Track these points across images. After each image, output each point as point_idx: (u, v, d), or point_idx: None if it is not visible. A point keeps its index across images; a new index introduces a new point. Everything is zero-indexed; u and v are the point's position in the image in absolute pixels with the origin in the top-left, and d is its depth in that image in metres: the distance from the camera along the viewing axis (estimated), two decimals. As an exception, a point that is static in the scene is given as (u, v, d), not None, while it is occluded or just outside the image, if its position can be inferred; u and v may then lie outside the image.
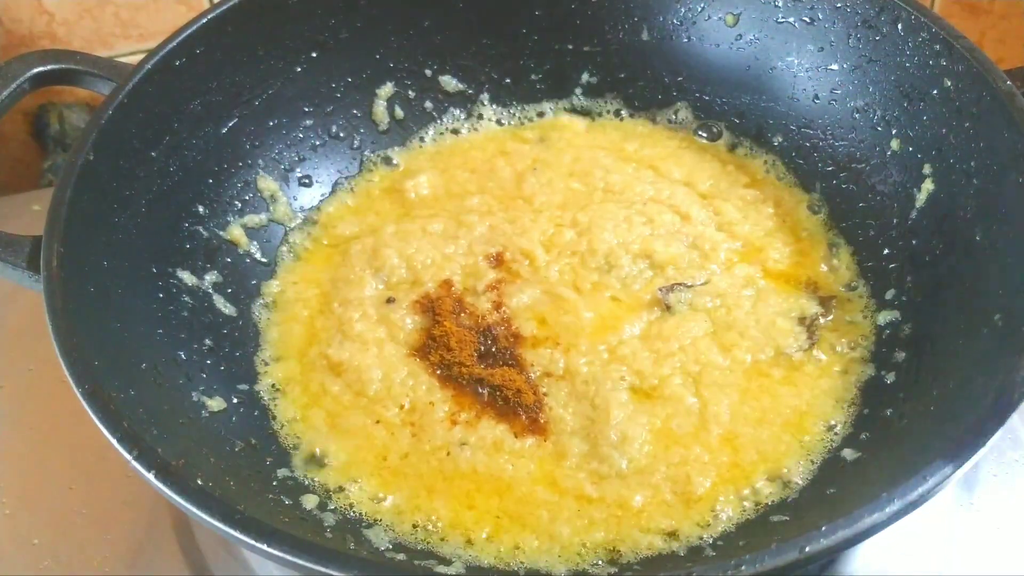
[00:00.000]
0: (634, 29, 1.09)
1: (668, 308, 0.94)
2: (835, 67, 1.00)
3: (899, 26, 0.93)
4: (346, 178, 1.08)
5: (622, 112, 1.12)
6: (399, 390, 0.90)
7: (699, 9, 1.06)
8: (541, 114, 1.12)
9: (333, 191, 1.07)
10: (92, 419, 0.70)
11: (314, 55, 1.04)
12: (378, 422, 0.88)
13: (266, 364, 0.94)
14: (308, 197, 1.06)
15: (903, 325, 0.91)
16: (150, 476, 0.68)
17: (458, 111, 1.12)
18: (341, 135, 1.08)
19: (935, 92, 0.91)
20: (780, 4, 1.02)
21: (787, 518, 0.80)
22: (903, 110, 0.95)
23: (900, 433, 0.81)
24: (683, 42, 1.08)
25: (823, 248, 0.99)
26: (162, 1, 1.23)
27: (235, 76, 0.99)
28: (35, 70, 0.91)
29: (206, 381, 0.88)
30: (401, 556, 0.79)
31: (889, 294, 0.93)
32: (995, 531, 0.88)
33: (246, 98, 1.01)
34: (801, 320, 0.93)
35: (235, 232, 0.99)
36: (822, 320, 0.93)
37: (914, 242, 0.93)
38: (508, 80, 1.12)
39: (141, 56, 0.93)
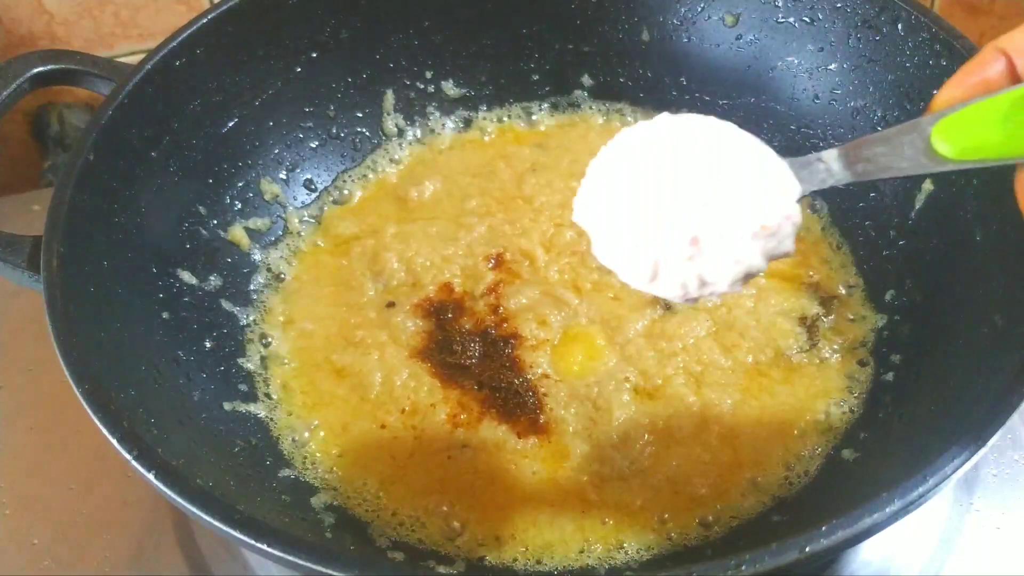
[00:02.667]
0: (634, 29, 1.09)
1: (668, 307, 0.94)
2: (835, 67, 1.00)
3: (899, 26, 0.93)
4: (347, 179, 1.08)
5: (622, 112, 1.11)
6: (400, 392, 0.90)
7: (699, 9, 1.06)
8: (541, 115, 1.12)
9: (333, 192, 1.07)
10: (92, 419, 0.70)
11: (314, 55, 1.04)
12: (383, 426, 0.88)
13: (267, 365, 0.94)
14: (309, 198, 1.06)
15: (903, 325, 0.91)
16: (150, 476, 0.68)
17: (458, 112, 1.12)
18: (341, 136, 1.08)
19: (935, 92, 0.90)
20: (780, 4, 1.02)
21: (787, 518, 0.80)
22: (903, 110, 0.95)
23: (900, 433, 0.81)
24: (683, 42, 1.08)
25: (823, 248, 0.99)
26: (162, 1, 1.23)
27: (235, 76, 0.99)
28: (35, 70, 0.91)
29: (206, 381, 0.88)
30: (401, 556, 0.79)
31: (889, 294, 0.93)
32: (995, 531, 0.88)
33: (246, 98, 1.01)
34: (802, 320, 0.93)
35: (236, 233, 0.99)
36: (823, 320, 0.93)
37: (914, 242, 0.93)
38: (508, 81, 1.12)
39: (141, 56, 0.93)
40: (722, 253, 0.61)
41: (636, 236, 0.62)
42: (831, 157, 0.65)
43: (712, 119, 0.66)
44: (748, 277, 0.63)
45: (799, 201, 0.64)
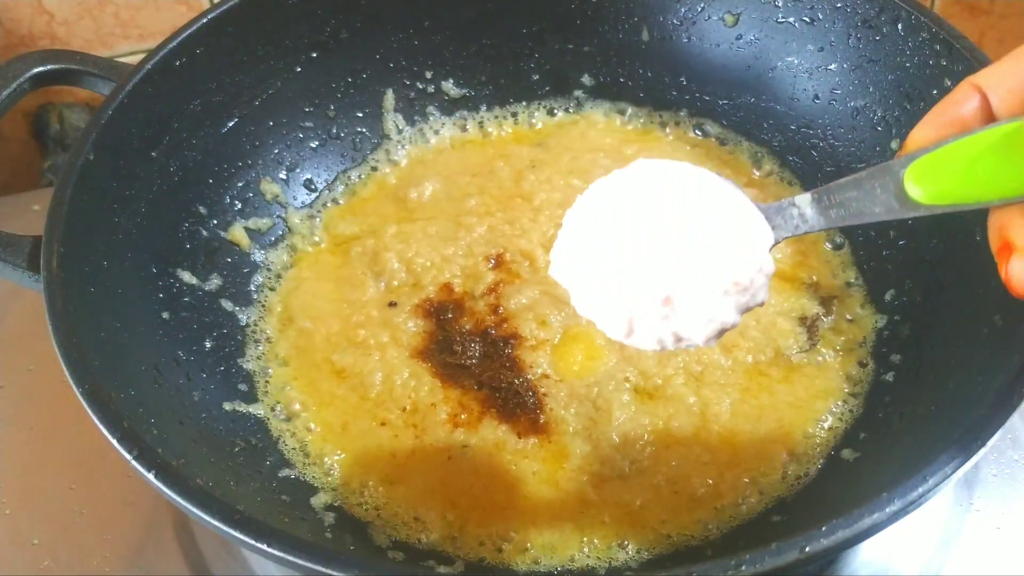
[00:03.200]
0: (634, 29, 1.09)
1: (668, 308, 0.94)
2: (835, 67, 1.01)
3: (899, 26, 0.93)
4: (347, 179, 1.08)
5: (622, 112, 1.11)
6: (401, 392, 0.90)
7: (699, 9, 1.06)
8: (541, 115, 1.12)
9: (334, 192, 1.07)
10: (92, 419, 0.70)
11: (314, 55, 1.04)
12: (383, 426, 0.88)
13: (267, 365, 0.94)
14: (309, 198, 1.06)
15: (903, 325, 0.91)
16: (150, 476, 0.68)
17: (458, 113, 1.12)
18: (341, 135, 1.08)
19: (935, 92, 0.91)
20: (780, 4, 1.02)
21: (787, 518, 0.80)
22: (903, 110, 0.95)
23: (900, 433, 0.81)
24: (683, 42, 1.08)
25: (823, 248, 0.99)
26: (162, 1, 1.23)
27: (235, 76, 0.99)
28: (35, 70, 0.91)
29: (206, 381, 0.88)
30: (401, 556, 0.79)
31: (889, 294, 0.93)
32: (995, 531, 0.88)
33: (246, 98, 1.01)
34: (802, 320, 0.93)
35: (236, 233, 0.99)
36: (823, 320, 0.93)
37: (914, 242, 0.93)
38: (508, 81, 1.12)
39: (141, 56, 0.93)
40: (695, 312, 0.62)
41: (610, 294, 0.63)
42: (804, 202, 0.65)
43: (687, 165, 0.66)
44: (723, 332, 0.63)
45: (771, 250, 0.65)
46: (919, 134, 0.61)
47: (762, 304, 0.64)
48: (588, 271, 0.64)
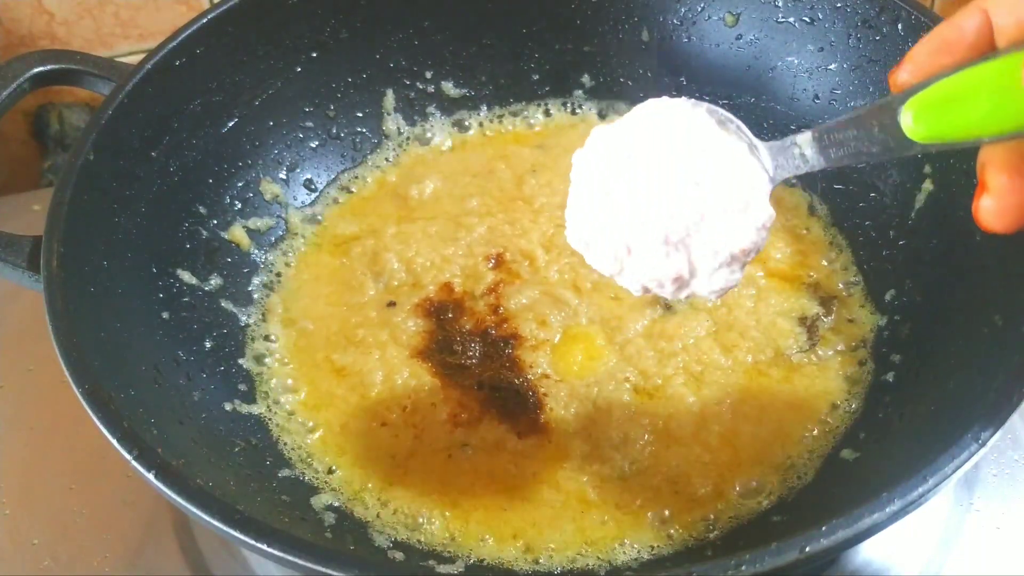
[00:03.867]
0: (634, 29, 1.09)
1: (669, 307, 0.94)
2: (835, 67, 1.00)
3: (899, 26, 0.93)
4: (347, 179, 1.08)
5: (622, 113, 1.11)
6: (401, 392, 0.90)
7: (699, 9, 1.06)
8: (541, 115, 1.12)
9: (334, 192, 1.07)
10: (92, 419, 0.70)
11: (314, 55, 1.04)
12: (383, 426, 0.88)
13: (267, 365, 0.94)
14: (309, 198, 1.06)
15: (903, 325, 0.91)
16: (150, 476, 0.68)
17: (458, 112, 1.12)
18: (342, 135, 1.08)
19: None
20: (780, 4, 1.02)
21: (787, 518, 0.80)
22: (903, 110, 0.95)
23: (900, 433, 0.81)
24: (683, 42, 1.08)
25: (824, 248, 0.99)
26: (162, 1, 1.23)
27: (235, 76, 0.99)
28: (35, 70, 0.91)
29: (206, 381, 0.88)
30: (401, 556, 0.79)
31: (889, 294, 0.93)
32: (995, 531, 0.88)
33: (246, 98, 1.01)
34: (802, 320, 0.93)
35: (236, 233, 0.99)
36: (823, 320, 0.93)
37: (914, 242, 0.93)
38: (508, 81, 1.12)
39: (141, 56, 0.93)
40: (704, 280, 0.66)
41: (623, 265, 0.67)
42: (805, 142, 0.65)
43: (686, 107, 0.67)
44: (730, 288, 0.67)
45: (775, 188, 0.66)
46: (917, 51, 0.61)
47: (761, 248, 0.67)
48: (598, 244, 0.68)
